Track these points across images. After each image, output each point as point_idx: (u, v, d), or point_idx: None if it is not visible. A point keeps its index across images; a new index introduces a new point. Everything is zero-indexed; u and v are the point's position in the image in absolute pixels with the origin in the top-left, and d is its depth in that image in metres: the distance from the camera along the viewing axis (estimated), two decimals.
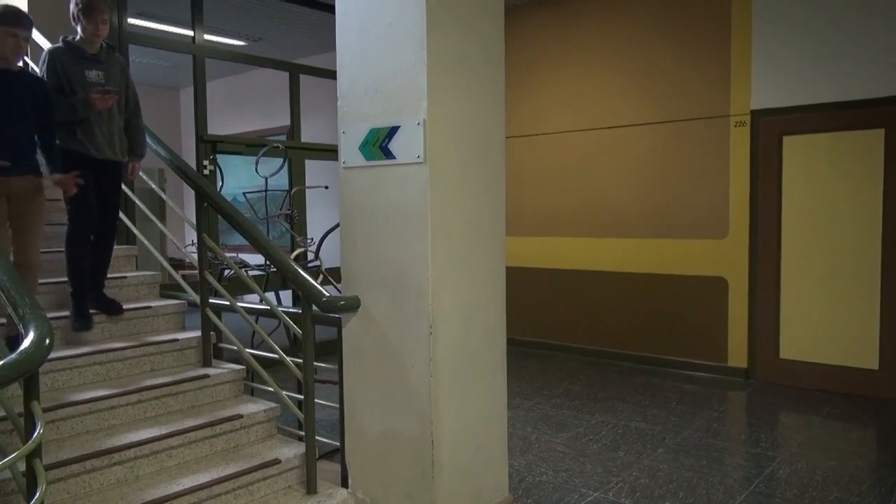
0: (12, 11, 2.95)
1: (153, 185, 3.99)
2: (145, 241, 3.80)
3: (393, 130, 2.70)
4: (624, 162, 6.16)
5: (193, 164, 4.92)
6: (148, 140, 3.68)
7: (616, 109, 6.19)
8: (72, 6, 3.22)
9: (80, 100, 3.14)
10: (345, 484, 3.06)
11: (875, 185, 4.96)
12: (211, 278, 3.47)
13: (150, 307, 3.57)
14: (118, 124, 3.37)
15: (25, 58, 3.42)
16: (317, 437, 3.03)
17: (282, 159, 5.54)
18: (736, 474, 3.73)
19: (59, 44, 3.27)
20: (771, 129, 5.39)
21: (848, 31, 4.99)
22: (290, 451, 3.04)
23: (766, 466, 3.81)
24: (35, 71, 3.46)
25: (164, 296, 3.87)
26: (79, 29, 3.24)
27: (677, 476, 3.69)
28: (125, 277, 3.73)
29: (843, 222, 5.10)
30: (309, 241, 5.46)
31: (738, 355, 5.61)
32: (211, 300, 3.49)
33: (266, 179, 5.26)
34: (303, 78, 6.58)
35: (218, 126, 8.23)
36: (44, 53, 3.26)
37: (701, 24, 5.67)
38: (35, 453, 1.88)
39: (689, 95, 5.76)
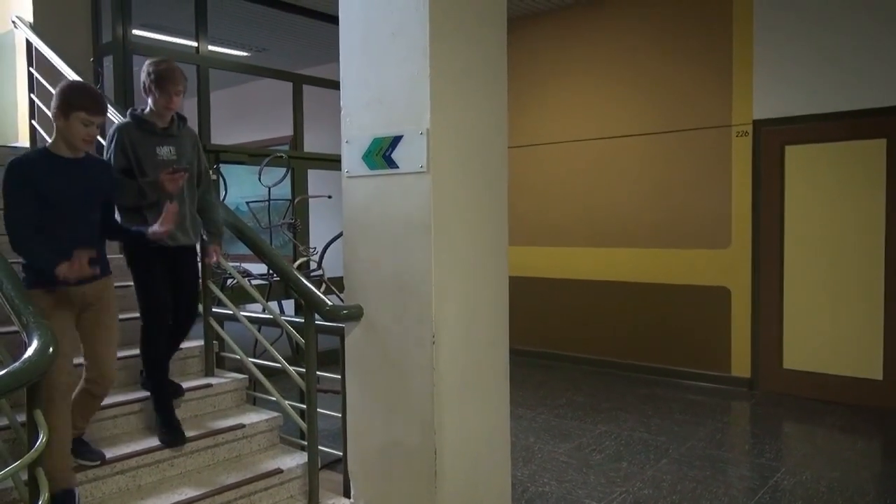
0: (89, 93, 2.48)
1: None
2: None
3: (396, 140, 2.70)
4: (626, 172, 6.17)
5: None
6: None
7: (618, 120, 6.21)
8: (143, 76, 2.93)
9: (149, 182, 2.83)
10: (347, 494, 3.04)
11: (878, 195, 4.96)
12: (214, 287, 3.47)
13: None
14: (191, 204, 3.05)
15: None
16: (319, 447, 3.02)
17: (285, 169, 5.55)
18: (740, 485, 3.71)
19: (128, 118, 2.96)
20: (773, 138, 5.40)
21: (850, 41, 5.01)
22: (293, 461, 3.03)
23: (770, 477, 3.79)
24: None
25: None
26: (149, 101, 2.96)
27: (681, 487, 3.67)
28: (128, 287, 3.73)
29: (846, 232, 5.10)
30: (312, 250, 5.46)
31: (741, 365, 5.59)
32: (214, 309, 3.49)
33: (269, 189, 5.27)
34: (306, 88, 6.60)
35: (221, 136, 8.25)
36: (111, 130, 2.95)
37: (702, 33, 5.69)
38: (37, 462, 1.88)
39: (691, 105, 5.78)
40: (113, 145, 2.91)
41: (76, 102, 2.42)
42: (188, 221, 3.02)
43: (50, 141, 2.52)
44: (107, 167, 2.75)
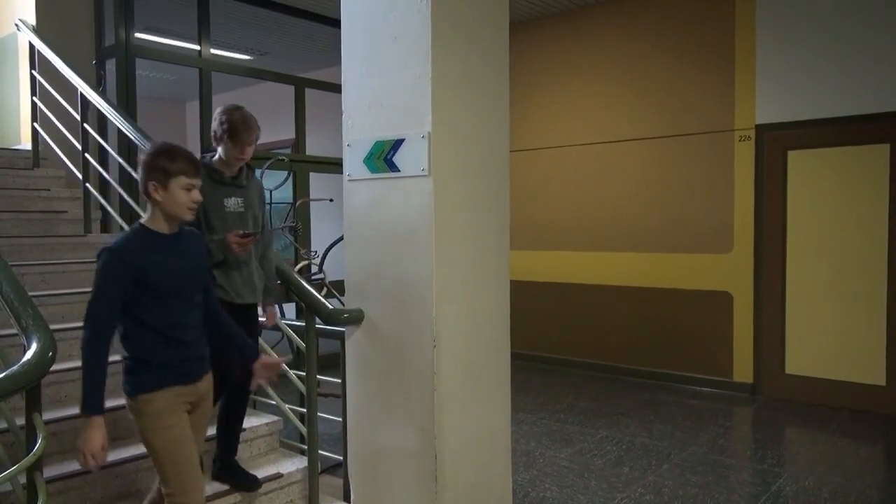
0: (182, 154, 2.17)
1: None
2: None
3: (398, 143, 2.70)
4: (628, 176, 6.16)
5: None
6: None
7: (620, 124, 6.20)
8: (215, 124, 2.81)
9: (217, 241, 2.68)
10: (347, 499, 3.03)
11: (880, 200, 4.95)
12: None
13: None
14: (256, 260, 2.92)
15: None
16: (319, 452, 3.01)
17: (286, 172, 5.56)
18: (742, 491, 3.69)
19: None
20: (776, 143, 5.39)
21: (853, 46, 5.00)
22: (293, 465, 3.03)
23: (772, 483, 3.77)
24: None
25: None
26: (220, 150, 2.82)
27: (683, 493, 3.65)
28: None
29: (849, 237, 5.08)
30: (313, 253, 5.45)
31: (743, 370, 5.58)
32: None
33: (270, 192, 5.27)
34: (308, 91, 6.61)
35: None
36: None
37: (705, 38, 5.69)
38: (36, 466, 1.87)
39: (693, 110, 5.77)
40: None
41: (173, 168, 2.10)
42: (255, 277, 2.88)
43: (144, 217, 2.19)
44: (202, 237, 2.43)
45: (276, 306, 3.11)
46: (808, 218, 5.27)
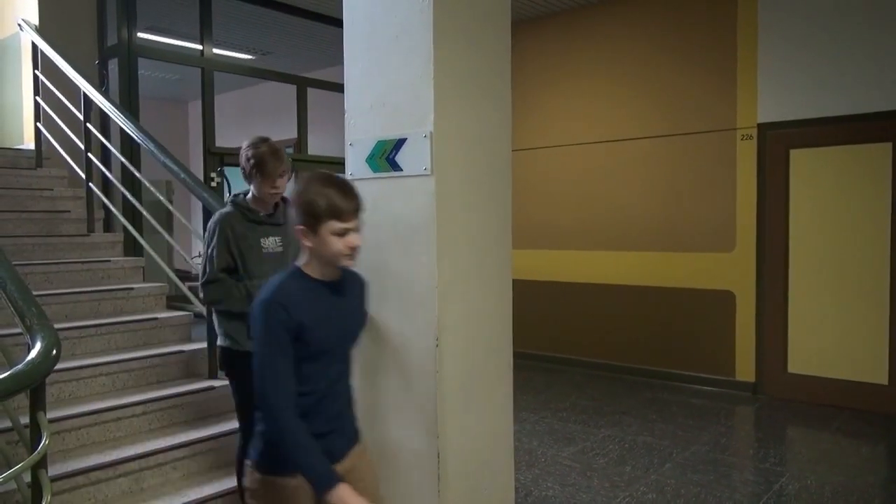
0: (336, 186, 1.78)
1: (160, 197, 4.01)
2: (153, 253, 3.81)
3: (400, 143, 2.70)
4: (630, 175, 6.16)
5: (201, 176, 4.94)
6: (155, 151, 3.66)
7: (622, 123, 6.20)
8: (242, 161, 2.66)
9: (257, 286, 2.42)
10: None
11: (883, 199, 4.94)
12: None
13: (156, 318, 3.58)
14: None
15: None
16: None
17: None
18: (744, 490, 3.69)
19: (229, 207, 2.64)
20: (778, 142, 5.39)
21: (854, 45, 5.00)
22: None
23: (774, 482, 3.77)
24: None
25: (170, 307, 3.88)
26: (252, 187, 2.69)
27: (685, 491, 3.65)
28: (132, 289, 3.75)
29: (851, 236, 5.08)
30: None
31: (745, 369, 5.57)
32: None
33: None
34: (310, 91, 6.62)
35: (226, 139, 8.27)
36: (211, 223, 2.64)
37: (707, 37, 5.68)
38: (40, 464, 1.88)
39: (695, 109, 5.77)
40: (215, 241, 2.55)
41: (320, 210, 1.72)
42: None
43: (300, 259, 1.86)
44: (363, 281, 2.10)
45: None
46: (811, 217, 5.26)
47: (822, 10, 5.13)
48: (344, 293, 1.90)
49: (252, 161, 2.59)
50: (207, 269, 2.57)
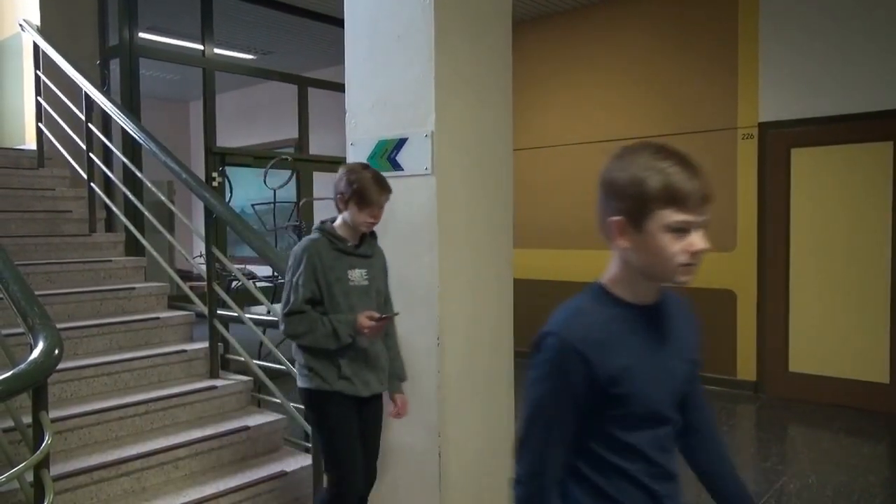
0: (692, 168, 1.20)
1: (162, 197, 4.01)
2: (154, 253, 3.82)
3: (401, 142, 2.71)
4: None
5: (203, 176, 4.94)
6: (157, 151, 3.67)
7: (623, 122, 6.20)
8: (341, 185, 2.41)
9: (348, 323, 2.33)
10: None
11: (883, 198, 4.93)
12: (219, 289, 3.47)
13: (158, 318, 3.58)
14: (384, 341, 2.54)
15: None
16: None
17: (290, 171, 5.57)
18: None
19: (315, 234, 2.45)
20: (779, 141, 5.38)
21: (855, 44, 4.99)
22: (297, 464, 3.04)
23: (776, 481, 3.77)
24: None
25: (172, 307, 3.88)
26: (345, 214, 2.43)
27: (685, 491, 3.65)
28: (133, 288, 3.75)
29: (852, 235, 5.07)
30: None
31: (747, 369, 5.57)
32: (219, 311, 3.49)
33: (274, 191, 5.29)
34: (311, 91, 6.62)
35: (227, 139, 8.29)
36: (298, 249, 2.41)
37: (708, 36, 5.68)
38: (43, 464, 1.89)
39: (696, 108, 5.76)
40: (301, 269, 2.36)
41: (651, 193, 1.16)
42: (382, 360, 2.50)
43: (608, 273, 1.27)
44: (687, 304, 1.49)
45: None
46: (812, 216, 5.26)
47: (823, 9, 5.12)
48: (668, 323, 1.31)
49: (355, 186, 2.36)
50: (291, 300, 2.35)
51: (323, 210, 6.37)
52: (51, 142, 4.60)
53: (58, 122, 4.49)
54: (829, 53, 5.10)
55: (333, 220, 2.49)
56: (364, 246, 2.49)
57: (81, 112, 4.24)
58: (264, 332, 3.44)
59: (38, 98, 4.66)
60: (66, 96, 4.40)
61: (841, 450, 4.29)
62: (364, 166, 2.46)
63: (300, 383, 2.46)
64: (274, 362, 3.33)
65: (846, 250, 5.10)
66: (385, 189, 2.39)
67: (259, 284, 4.51)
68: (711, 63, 5.66)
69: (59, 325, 2.13)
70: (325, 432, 2.44)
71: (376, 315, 2.36)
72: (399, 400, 2.59)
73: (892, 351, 4.93)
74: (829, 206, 5.17)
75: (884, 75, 4.89)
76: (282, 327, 2.37)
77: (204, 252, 3.52)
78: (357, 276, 2.43)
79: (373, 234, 2.53)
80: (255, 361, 3.37)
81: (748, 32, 5.47)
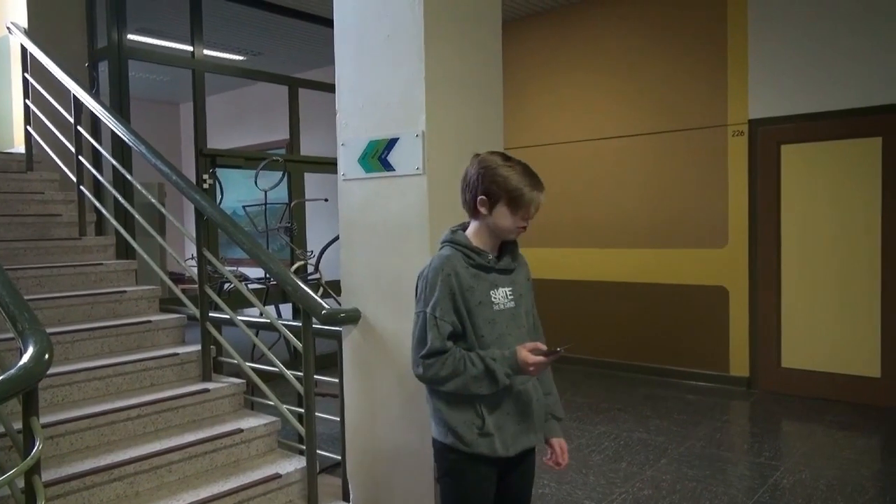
0: None
1: (153, 200, 3.99)
2: (145, 256, 3.79)
3: (392, 142, 2.70)
4: (621, 172, 6.17)
5: (193, 178, 4.92)
6: (146, 153, 3.64)
7: (613, 120, 6.21)
8: (483, 182, 1.89)
9: (505, 360, 1.83)
10: (346, 498, 3.03)
11: (874, 193, 4.97)
12: (211, 292, 3.46)
13: (149, 321, 3.56)
14: (537, 382, 2.04)
15: None
16: (318, 451, 3.01)
17: (281, 172, 5.55)
18: (739, 484, 3.71)
19: (447, 249, 1.95)
20: (769, 137, 5.41)
21: (845, 40, 5.02)
22: (291, 466, 3.03)
23: (769, 476, 3.79)
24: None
25: (163, 310, 3.86)
26: (488, 219, 1.91)
27: (680, 487, 3.67)
28: (124, 292, 3.73)
29: (843, 230, 5.10)
30: (309, 253, 5.45)
31: (739, 364, 5.60)
32: (211, 314, 3.48)
33: (265, 193, 5.27)
34: (301, 92, 6.61)
35: (217, 140, 8.26)
36: (429, 269, 1.94)
37: (697, 33, 5.70)
38: (34, 470, 1.87)
39: (686, 105, 5.79)
40: (437, 296, 1.86)
41: None
42: (534, 403, 1.99)
43: None
44: None
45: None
46: (802, 211, 5.29)
47: (811, 4, 5.15)
48: None
49: (503, 184, 1.86)
50: (430, 337, 1.84)
51: (315, 210, 6.36)
52: (39, 145, 4.57)
53: (46, 126, 4.46)
54: (818, 50, 5.13)
55: (464, 227, 1.99)
56: (505, 258, 1.96)
57: (70, 115, 4.22)
58: (257, 335, 3.43)
59: (27, 101, 4.62)
60: (55, 99, 4.37)
61: (834, 444, 4.31)
62: (505, 157, 1.92)
63: (433, 431, 2.00)
64: (267, 364, 3.32)
65: (837, 245, 5.13)
66: (539, 185, 1.91)
67: (251, 286, 4.49)
68: (701, 60, 5.69)
69: (49, 330, 2.11)
70: (453, 498, 1.97)
71: (542, 347, 1.88)
72: (557, 445, 2.08)
73: (883, 345, 4.96)
74: (819, 202, 5.20)
75: (872, 71, 4.92)
76: (419, 370, 1.88)
77: (195, 254, 3.51)
78: (501, 297, 1.92)
79: (515, 242, 2.01)
80: (247, 364, 3.36)
81: (737, 30, 5.49)
